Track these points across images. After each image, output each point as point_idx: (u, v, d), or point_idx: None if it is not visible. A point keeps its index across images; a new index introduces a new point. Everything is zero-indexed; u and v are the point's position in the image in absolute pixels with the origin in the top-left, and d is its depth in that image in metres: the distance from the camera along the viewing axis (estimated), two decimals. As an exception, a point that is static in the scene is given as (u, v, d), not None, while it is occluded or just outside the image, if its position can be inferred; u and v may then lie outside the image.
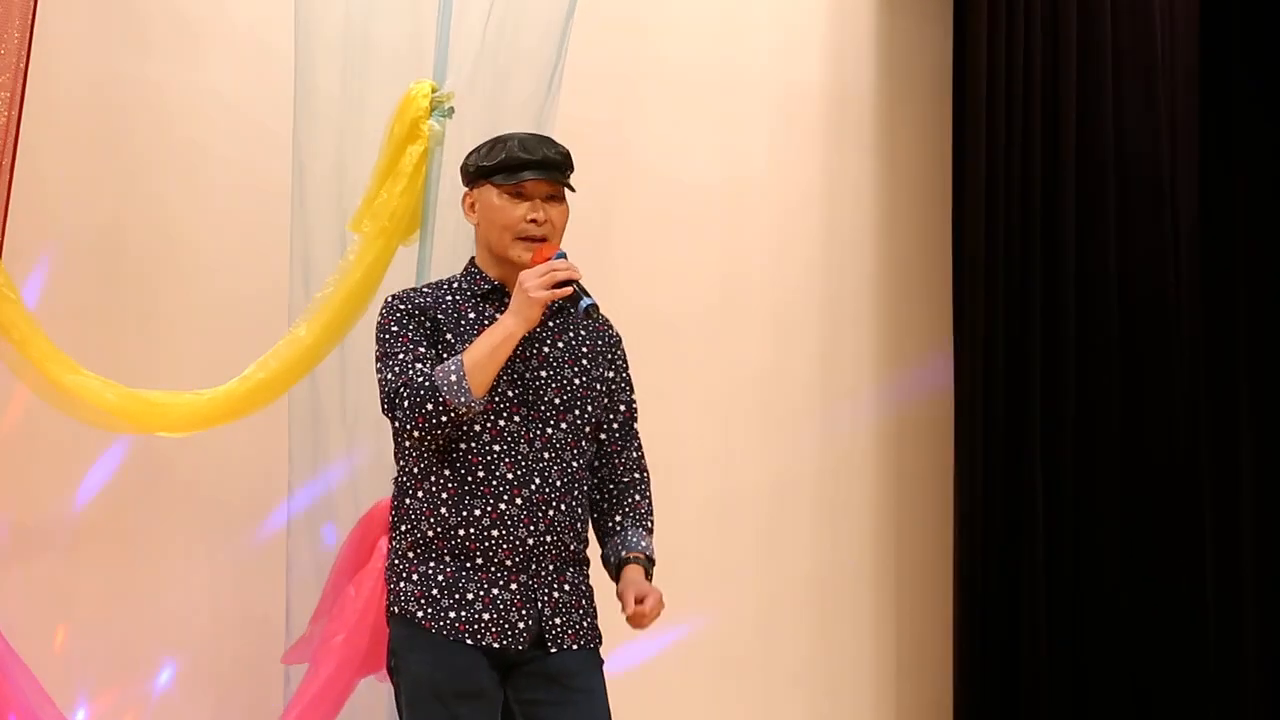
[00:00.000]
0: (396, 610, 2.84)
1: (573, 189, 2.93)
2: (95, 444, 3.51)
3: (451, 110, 3.33)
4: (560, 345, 2.91)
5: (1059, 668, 4.60)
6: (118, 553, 3.65)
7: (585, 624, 2.88)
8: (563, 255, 2.82)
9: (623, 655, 4.05)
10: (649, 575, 2.92)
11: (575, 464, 2.86)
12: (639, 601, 2.81)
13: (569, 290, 2.77)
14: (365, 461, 3.36)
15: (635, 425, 3.04)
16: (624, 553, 2.92)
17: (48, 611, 3.57)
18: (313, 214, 3.41)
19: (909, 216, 4.84)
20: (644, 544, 2.94)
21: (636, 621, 2.81)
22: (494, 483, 2.79)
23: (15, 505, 3.57)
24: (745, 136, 4.59)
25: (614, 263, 4.23)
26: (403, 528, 2.87)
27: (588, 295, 2.78)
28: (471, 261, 2.97)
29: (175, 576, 3.70)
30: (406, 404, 2.75)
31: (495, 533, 2.78)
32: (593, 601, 2.93)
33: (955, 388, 4.71)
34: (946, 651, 4.69)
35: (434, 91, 3.33)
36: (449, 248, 3.38)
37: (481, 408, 2.78)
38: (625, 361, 3.03)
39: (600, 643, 2.92)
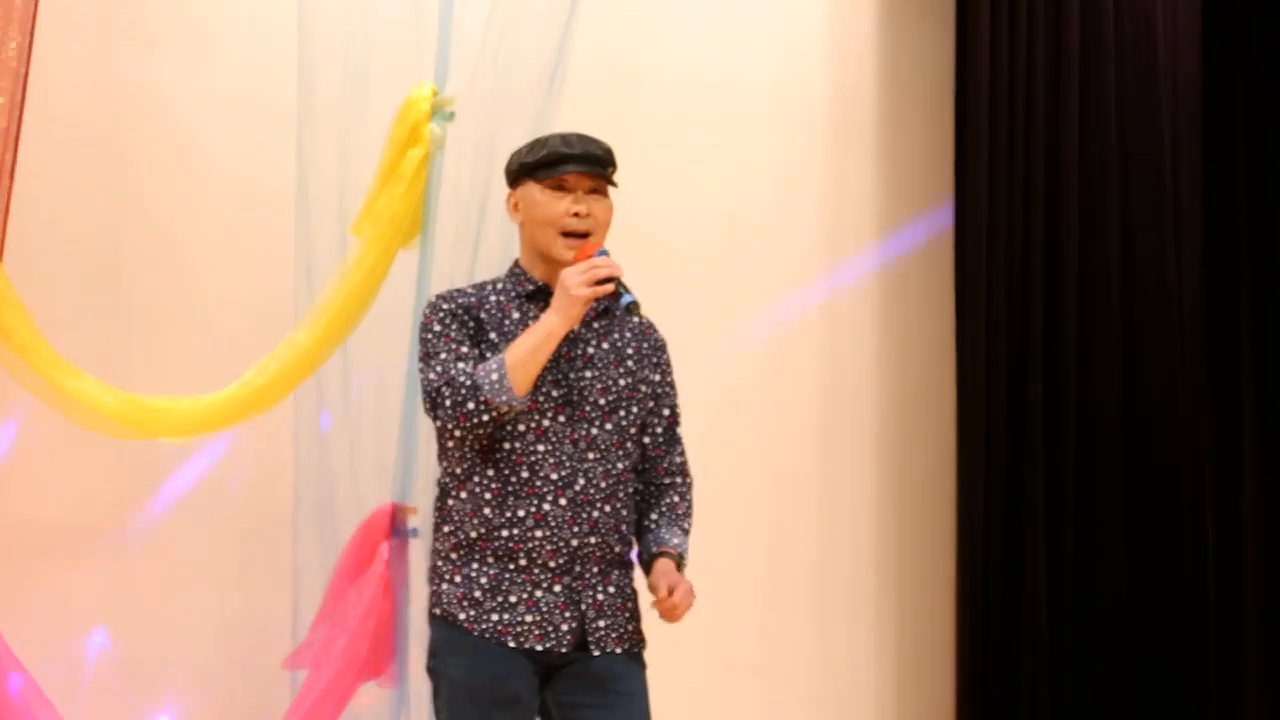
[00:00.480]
0: (438, 612, 2.83)
1: (615, 184, 2.91)
2: (97, 449, 3.50)
3: (452, 114, 3.33)
4: (605, 347, 2.90)
5: (1059, 669, 4.60)
6: (122, 557, 3.66)
7: (629, 627, 2.87)
8: (604, 253, 2.80)
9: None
10: (680, 571, 2.89)
11: (620, 465, 2.84)
12: (670, 592, 2.78)
13: (610, 287, 2.75)
14: (366, 466, 3.36)
15: (679, 430, 3.02)
16: (655, 549, 2.89)
17: (50, 616, 3.57)
18: (315, 217, 3.40)
19: (910, 218, 4.83)
20: (676, 541, 2.91)
21: (667, 613, 2.79)
22: (538, 483, 2.77)
23: (17, 510, 3.57)
24: (747, 139, 4.58)
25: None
26: (445, 529, 2.85)
27: (629, 292, 2.76)
28: (516, 263, 2.96)
29: (179, 582, 3.70)
30: (448, 403, 2.73)
31: (539, 533, 2.77)
32: (637, 604, 2.91)
33: (957, 390, 4.71)
34: (948, 654, 4.70)
35: (435, 95, 3.33)
36: (449, 252, 3.38)
37: (524, 406, 2.76)
38: (670, 366, 3.02)
39: (644, 646, 2.91)
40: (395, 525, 3.25)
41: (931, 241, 4.84)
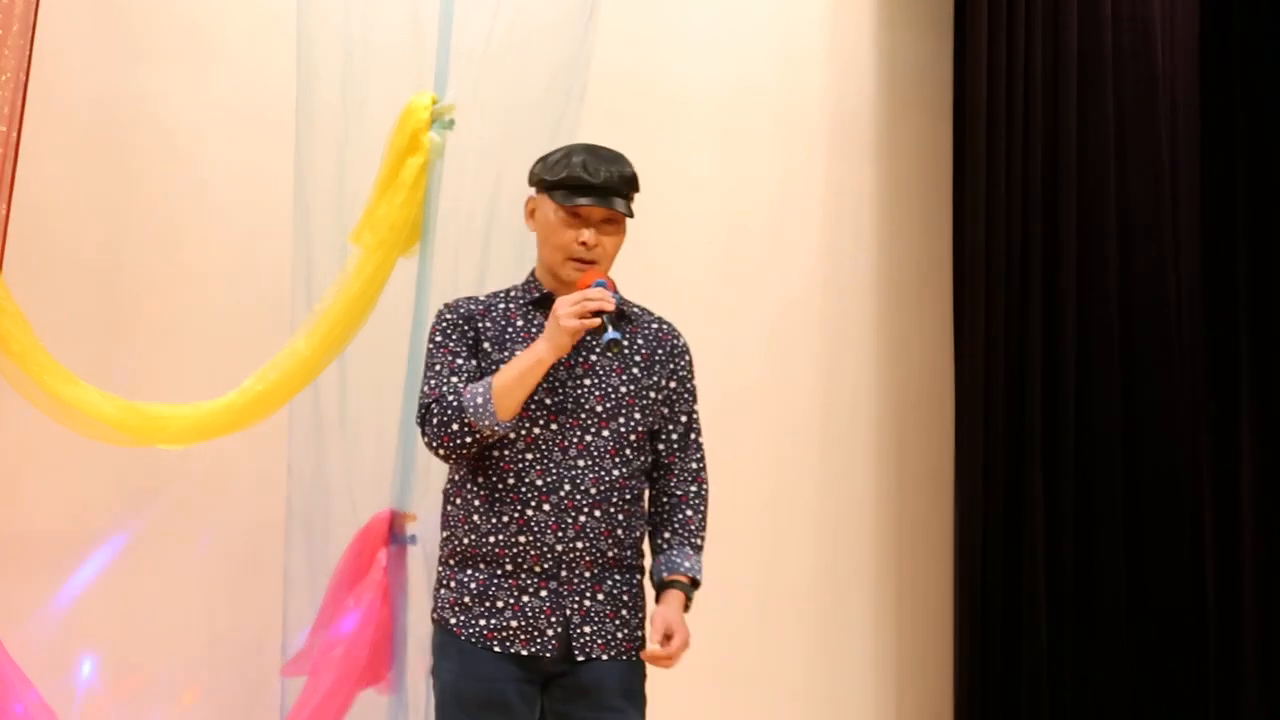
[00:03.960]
0: (435, 616, 2.88)
1: (632, 215, 2.89)
2: (95, 456, 3.50)
3: (452, 122, 3.33)
4: (610, 354, 2.90)
5: (1058, 673, 4.60)
6: (117, 565, 3.65)
7: (620, 635, 2.86)
8: (603, 284, 2.81)
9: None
10: (689, 599, 2.90)
11: (616, 472, 2.84)
12: (666, 638, 2.80)
13: (598, 322, 2.75)
14: (363, 473, 3.36)
15: (696, 437, 3.00)
16: (665, 574, 2.89)
17: (46, 624, 3.57)
18: (314, 226, 3.41)
19: (910, 228, 4.84)
20: (688, 564, 2.90)
21: (656, 664, 2.81)
22: (522, 489, 2.79)
23: (15, 518, 3.57)
24: (747, 148, 4.59)
25: (613, 272, 4.23)
26: (444, 534, 2.90)
27: (615, 329, 2.76)
28: (533, 270, 2.97)
29: (173, 589, 3.70)
30: (435, 421, 2.78)
31: (523, 539, 2.78)
32: (636, 612, 2.90)
33: (956, 398, 4.71)
34: (947, 661, 4.69)
35: (434, 103, 3.33)
36: (450, 260, 3.38)
37: (507, 430, 2.78)
38: (690, 372, 3.01)
39: (637, 653, 2.88)
40: (394, 532, 3.25)
41: (931, 249, 4.84)
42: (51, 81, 3.48)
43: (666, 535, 2.93)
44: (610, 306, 2.77)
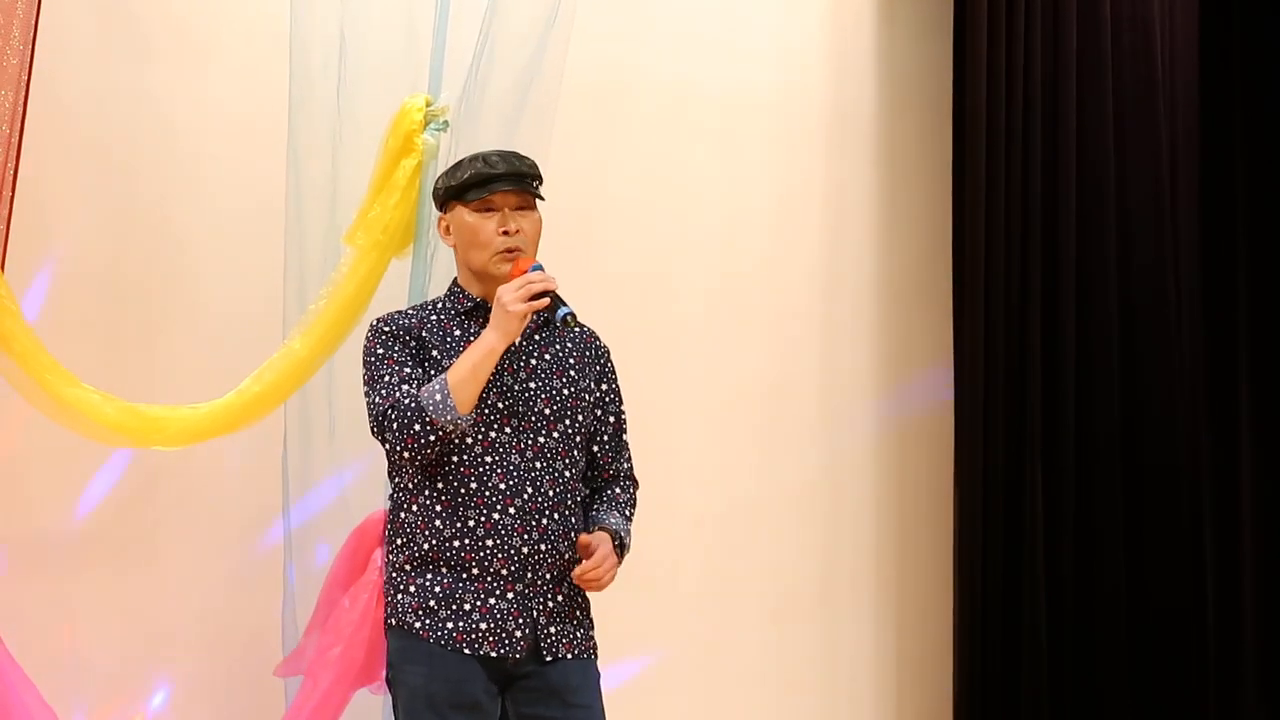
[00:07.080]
0: (394, 622, 2.88)
1: (542, 198, 2.95)
2: (94, 457, 3.52)
3: (446, 124, 3.35)
4: (547, 358, 2.95)
5: (1058, 674, 4.60)
6: (115, 566, 3.68)
7: (579, 634, 2.90)
8: (539, 267, 2.85)
9: (624, 666, 4.06)
10: (617, 548, 2.90)
11: (568, 474, 2.89)
12: (590, 554, 2.81)
13: (546, 301, 2.79)
14: (355, 474, 3.37)
15: (625, 437, 3.06)
16: (594, 528, 2.93)
17: (46, 624, 3.59)
18: (308, 227, 3.42)
19: (909, 230, 4.84)
20: (614, 520, 2.95)
21: (585, 579, 2.81)
22: (486, 493, 2.82)
23: (14, 518, 3.59)
24: (746, 151, 4.59)
25: (614, 275, 4.25)
26: (398, 541, 2.90)
27: (565, 304, 2.80)
28: (454, 282, 3.01)
29: (171, 589, 3.72)
30: (395, 425, 2.79)
31: (490, 542, 2.81)
32: (588, 614, 2.95)
33: (955, 398, 4.71)
34: (947, 663, 4.69)
35: (428, 105, 3.35)
36: (446, 261, 3.39)
37: (469, 424, 2.81)
38: (614, 373, 3.07)
39: (595, 655, 2.94)
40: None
41: (931, 249, 4.84)
42: (51, 81, 3.50)
43: (596, 507, 2.98)
44: (555, 286, 2.81)
